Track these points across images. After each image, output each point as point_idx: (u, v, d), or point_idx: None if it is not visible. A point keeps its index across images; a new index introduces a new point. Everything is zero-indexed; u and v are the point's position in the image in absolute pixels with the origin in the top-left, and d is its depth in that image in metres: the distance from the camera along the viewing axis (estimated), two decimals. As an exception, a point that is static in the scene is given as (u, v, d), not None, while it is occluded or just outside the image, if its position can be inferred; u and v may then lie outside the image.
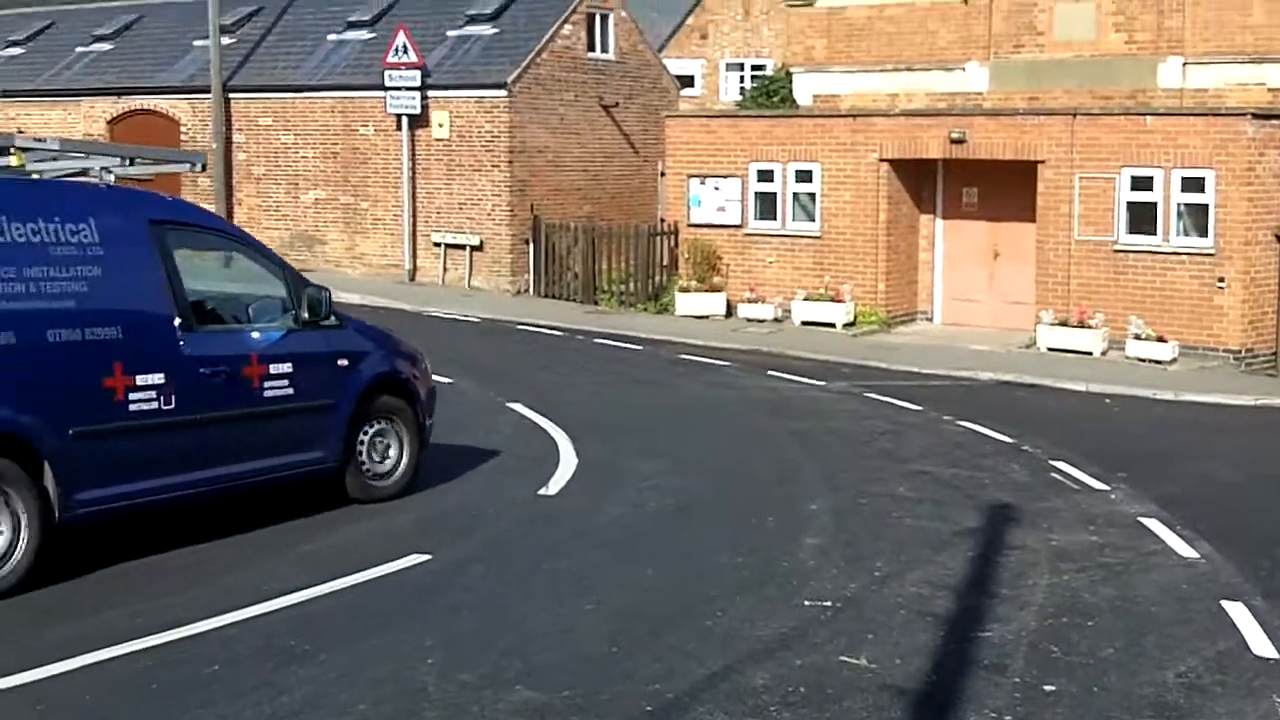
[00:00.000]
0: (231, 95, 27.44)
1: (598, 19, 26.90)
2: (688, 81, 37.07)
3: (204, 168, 11.58)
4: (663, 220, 25.19)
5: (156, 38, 30.14)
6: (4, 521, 8.13)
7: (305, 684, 6.79)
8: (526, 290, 25.50)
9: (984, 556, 9.42)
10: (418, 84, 25.48)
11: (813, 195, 22.77)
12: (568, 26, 26.19)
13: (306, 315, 9.98)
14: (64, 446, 8.36)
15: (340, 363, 10.22)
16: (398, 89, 25.57)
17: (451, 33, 26.68)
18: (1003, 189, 21.72)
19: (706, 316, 22.90)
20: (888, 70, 24.94)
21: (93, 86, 29.37)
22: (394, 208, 26.26)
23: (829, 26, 25.73)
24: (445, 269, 25.65)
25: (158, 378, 8.85)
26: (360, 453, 10.37)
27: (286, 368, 9.75)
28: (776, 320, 22.51)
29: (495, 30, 26.41)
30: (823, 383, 17.37)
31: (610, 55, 27.24)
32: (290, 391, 9.76)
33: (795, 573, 8.93)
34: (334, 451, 10.14)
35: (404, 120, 25.74)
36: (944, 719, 6.59)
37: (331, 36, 27.88)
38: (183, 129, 28.05)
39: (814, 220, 22.75)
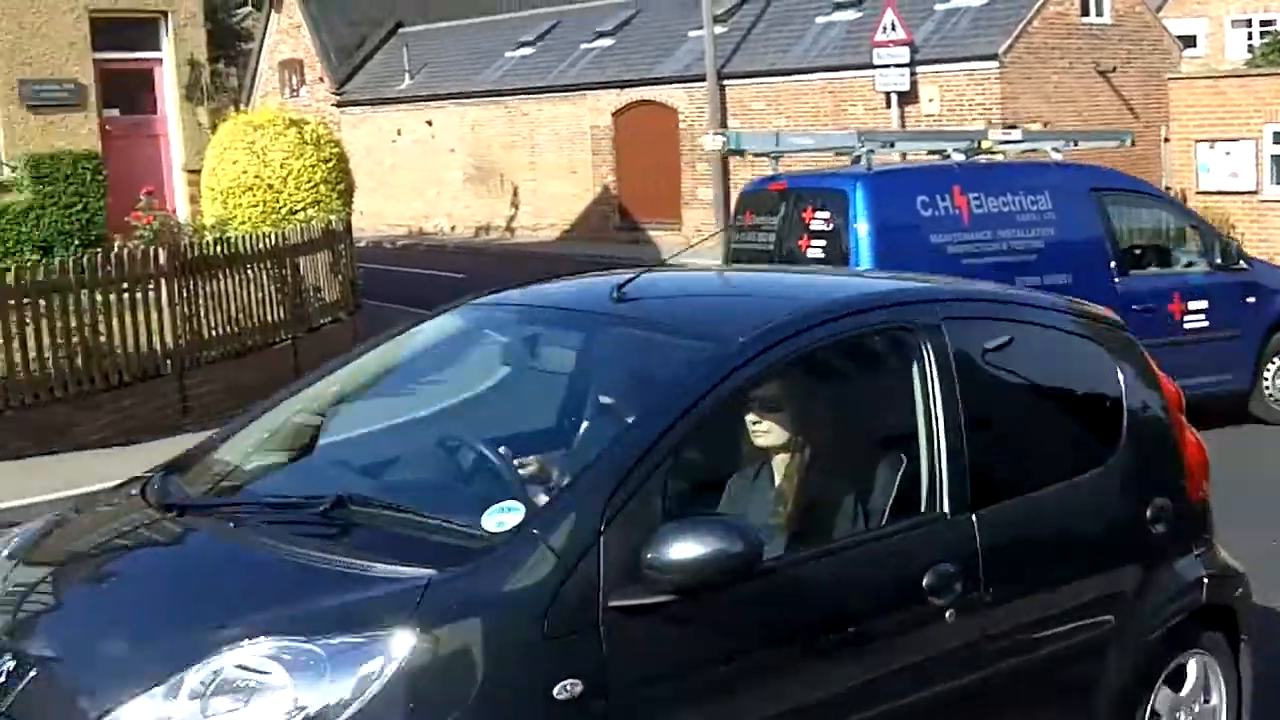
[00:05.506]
0: (726, 83, 28.33)
1: (1093, -18, 25.94)
2: (1190, 42, 35.12)
3: (1133, 143, 14.41)
4: (1168, 188, 23.97)
5: (654, 30, 31.54)
6: None
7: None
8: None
9: None
10: (906, 60, 25.43)
11: (1338, 156, 21.12)
12: (1061, -8, 25.41)
13: (1219, 261, 11.84)
14: None
15: (1248, 300, 11.93)
16: (886, 66, 25.63)
17: (939, 6, 26.39)
18: None
19: (1217, 288, 21.70)
20: None
21: (597, 81, 31.10)
22: (883, 185, 26.27)
23: (1353, -28, 23.73)
24: (935, 245, 25.43)
25: None
26: (1265, 380, 12.02)
27: (1203, 304, 11.59)
28: (1297, 291, 21.03)
29: (985, 1, 25.93)
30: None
31: (1106, 19, 26.16)
32: (1206, 324, 11.58)
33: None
34: (1243, 376, 11.87)
35: (893, 98, 25.77)
36: None
37: (819, 19, 28.22)
38: (680, 117, 29.22)
39: (1340, 183, 21.10)
